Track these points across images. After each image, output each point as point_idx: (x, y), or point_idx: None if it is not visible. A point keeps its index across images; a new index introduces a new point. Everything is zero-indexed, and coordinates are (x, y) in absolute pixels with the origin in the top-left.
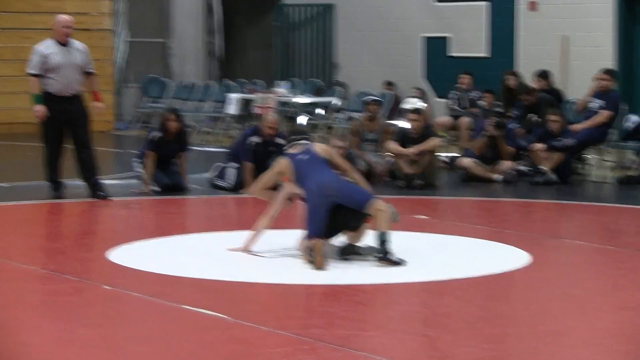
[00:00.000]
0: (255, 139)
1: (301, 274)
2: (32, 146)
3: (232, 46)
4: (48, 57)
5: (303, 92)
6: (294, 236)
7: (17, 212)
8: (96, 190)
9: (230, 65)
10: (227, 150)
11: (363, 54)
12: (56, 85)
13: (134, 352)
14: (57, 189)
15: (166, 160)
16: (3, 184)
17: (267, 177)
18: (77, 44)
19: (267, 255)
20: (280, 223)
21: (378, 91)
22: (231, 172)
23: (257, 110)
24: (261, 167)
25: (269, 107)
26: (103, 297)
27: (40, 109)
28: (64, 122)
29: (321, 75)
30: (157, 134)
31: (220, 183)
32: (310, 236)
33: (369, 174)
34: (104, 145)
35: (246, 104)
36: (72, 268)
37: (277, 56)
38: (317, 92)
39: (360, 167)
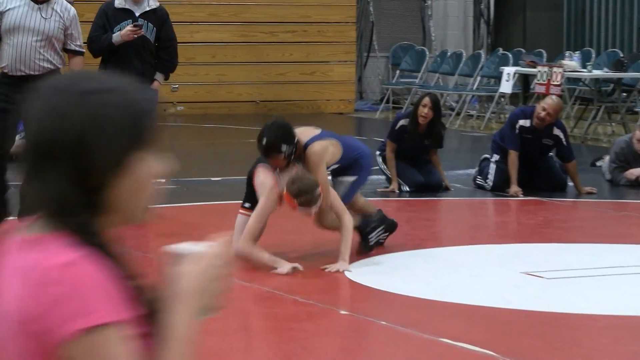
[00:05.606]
0: (523, 123)
1: (588, 300)
2: (253, 130)
3: (507, 7)
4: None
5: (599, 66)
6: (577, 252)
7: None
8: None
9: (505, 31)
10: (493, 140)
11: None
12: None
13: None
14: None
15: (416, 155)
16: (217, 178)
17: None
18: (61, 4)
19: (545, 276)
20: (523, 235)
21: None
22: (492, 168)
23: (538, 89)
24: (528, 160)
25: (554, 85)
26: (341, 325)
27: None
28: None
29: (622, 45)
30: (403, 122)
31: (479, 181)
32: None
33: None
34: (341, 130)
35: (525, 80)
36: (302, 287)
37: (567, 20)
38: (617, 66)
39: None
